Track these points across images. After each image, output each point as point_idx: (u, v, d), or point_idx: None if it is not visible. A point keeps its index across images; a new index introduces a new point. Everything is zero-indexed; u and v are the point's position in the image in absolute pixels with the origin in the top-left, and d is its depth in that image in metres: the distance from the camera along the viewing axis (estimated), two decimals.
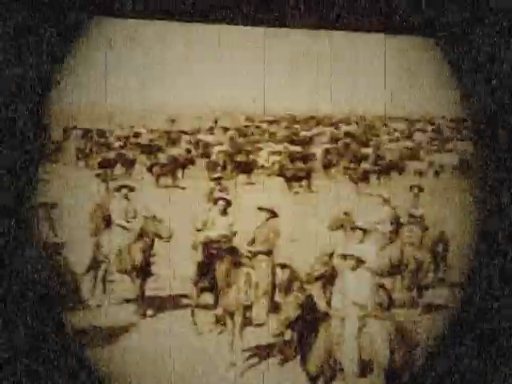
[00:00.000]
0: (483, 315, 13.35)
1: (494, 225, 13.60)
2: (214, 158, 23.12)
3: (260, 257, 13.81)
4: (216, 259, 13.55)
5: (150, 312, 15.34)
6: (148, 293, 15.46)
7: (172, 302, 15.77)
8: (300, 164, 23.19)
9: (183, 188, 22.01)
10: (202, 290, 14.40)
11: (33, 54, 12.20)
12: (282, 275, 13.49)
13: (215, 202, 14.78)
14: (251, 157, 23.55)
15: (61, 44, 12.67)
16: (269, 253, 13.89)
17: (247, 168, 22.99)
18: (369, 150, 24.52)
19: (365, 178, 22.62)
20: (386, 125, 26.35)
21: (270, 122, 26.18)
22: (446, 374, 12.82)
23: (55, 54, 12.59)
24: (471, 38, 13.58)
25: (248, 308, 13.46)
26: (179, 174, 22.64)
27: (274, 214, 14.39)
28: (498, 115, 13.56)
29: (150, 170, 22.25)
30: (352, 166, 23.25)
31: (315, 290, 13.22)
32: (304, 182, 22.79)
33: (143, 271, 15.31)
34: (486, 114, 13.61)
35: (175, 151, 23.24)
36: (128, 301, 15.47)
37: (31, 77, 12.22)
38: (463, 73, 13.83)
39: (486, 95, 13.57)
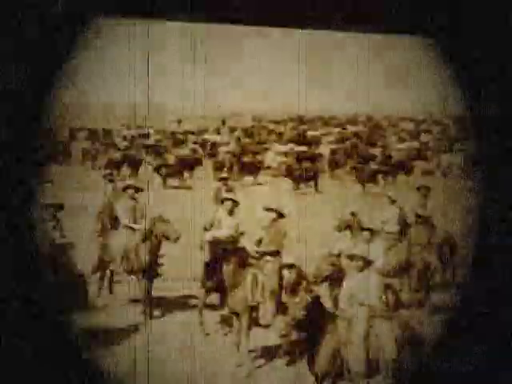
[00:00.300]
0: (486, 315, 13.34)
1: (498, 224, 13.57)
2: (220, 158, 23.12)
3: (267, 257, 13.79)
4: (223, 260, 13.54)
5: (156, 313, 15.34)
6: (155, 293, 15.44)
7: (179, 303, 15.76)
8: (307, 164, 23.17)
9: (190, 188, 22.01)
10: (209, 291, 14.40)
11: (37, 54, 12.21)
12: (288, 276, 13.47)
13: (222, 202, 14.77)
14: (258, 157, 23.54)
15: (66, 43, 12.67)
16: (276, 253, 13.87)
17: (254, 168, 22.98)
18: (376, 151, 24.51)
19: (372, 178, 22.59)
20: (393, 125, 26.33)
21: (277, 123, 26.19)
22: (452, 373, 12.79)
23: (60, 53, 12.60)
24: (472, 36, 13.57)
25: (255, 308, 13.45)
26: (186, 174, 22.64)
27: (280, 215, 14.39)
28: (500, 114, 13.54)
29: (156, 170, 22.26)
30: (359, 166, 23.22)
31: (322, 290, 13.21)
32: (311, 183, 22.77)
33: (150, 272, 15.30)
34: (489, 113, 13.58)
35: (182, 152, 23.25)
36: (135, 301, 15.46)
37: (34, 76, 12.23)
38: (464, 72, 13.82)
39: (487, 94, 13.55)
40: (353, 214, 15.70)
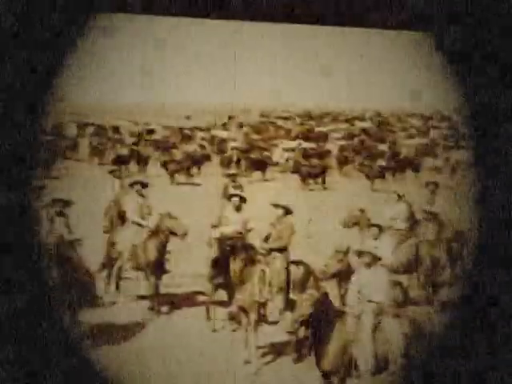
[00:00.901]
0: (492, 311, 13.30)
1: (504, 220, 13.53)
2: (228, 154, 23.09)
3: (274, 254, 13.76)
4: (230, 256, 13.51)
5: (164, 309, 15.33)
6: (162, 290, 15.43)
7: (186, 299, 15.75)
8: (315, 161, 23.14)
9: (198, 184, 22.00)
10: (217, 287, 14.39)
11: (40, 50, 12.19)
12: (296, 272, 13.45)
13: (230, 198, 14.74)
14: (266, 153, 23.52)
15: (70, 41, 12.66)
16: (283, 250, 13.84)
17: (262, 165, 22.95)
18: (384, 147, 24.46)
19: (380, 174, 22.55)
20: (401, 121, 26.28)
21: (285, 119, 26.17)
22: (461, 370, 12.74)
23: (64, 50, 12.59)
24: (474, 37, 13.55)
25: (262, 305, 13.41)
26: (194, 170, 22.63)
27: (288, 211, 14.34)
28: (500, 112, 13.50)
29: (164, 166, 22.25)
30: (367, 162, 23.17)
31: (330, 287, 13.18)
32: (319, 179, 22.73)
33: (158, 268, 15.27)
34: (488, 111, 13.55)
35: (190, 147, 23.24)
36: (142, 298, 15.46)
37: (40, 72, 12.22)
38: (472, 68, 13.79)
39: (487, 92, 13.52)
40: (361, 210, 15.65)
